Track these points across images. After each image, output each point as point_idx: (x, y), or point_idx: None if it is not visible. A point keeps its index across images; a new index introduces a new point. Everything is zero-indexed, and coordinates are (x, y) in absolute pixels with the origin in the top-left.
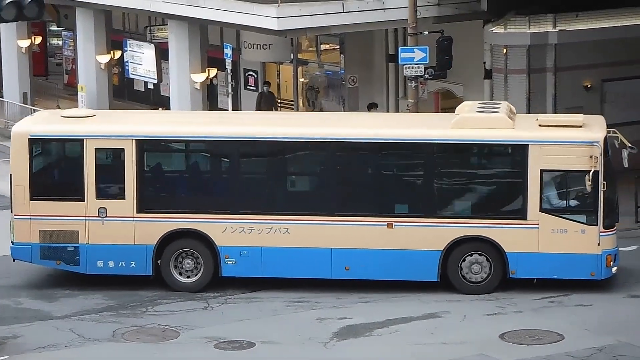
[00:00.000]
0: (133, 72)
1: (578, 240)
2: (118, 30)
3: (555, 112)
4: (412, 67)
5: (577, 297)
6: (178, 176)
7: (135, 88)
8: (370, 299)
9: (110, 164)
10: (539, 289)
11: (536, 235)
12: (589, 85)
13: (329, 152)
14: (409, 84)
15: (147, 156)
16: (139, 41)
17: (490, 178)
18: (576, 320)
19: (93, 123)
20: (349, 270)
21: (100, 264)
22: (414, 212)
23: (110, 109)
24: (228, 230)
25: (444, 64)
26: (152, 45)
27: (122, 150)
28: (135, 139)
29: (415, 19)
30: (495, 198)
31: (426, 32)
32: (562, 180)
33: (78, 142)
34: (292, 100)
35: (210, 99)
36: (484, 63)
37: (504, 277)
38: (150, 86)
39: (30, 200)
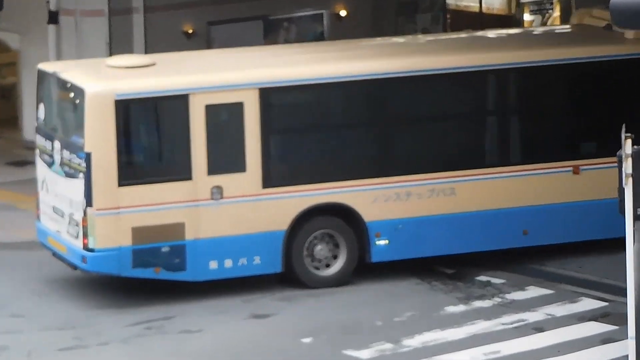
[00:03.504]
0: None
1: None
2: None
3: None
4: None
5: (182, 321)
6: (316, 135)
7: None
8: None
9: (225, 126)
10: (133, 313)
11: None
12: (190, 31)
13: (501, 82)
14: None
15: (275, 110)
16: None
17: None
18: (180, 350)
19: (195, 73)
20: (527, 234)
21: (213, 265)
22: (604, 151)
23: None
24: (380, 199)
25: None
26: None
27: (241, 105)
28: (260, 88)
29: None
30: None
31: None
32: None
33: (181, 100)
34: None
35: None
36: (48, 3)
37: None
38: None
39: (119, 186)
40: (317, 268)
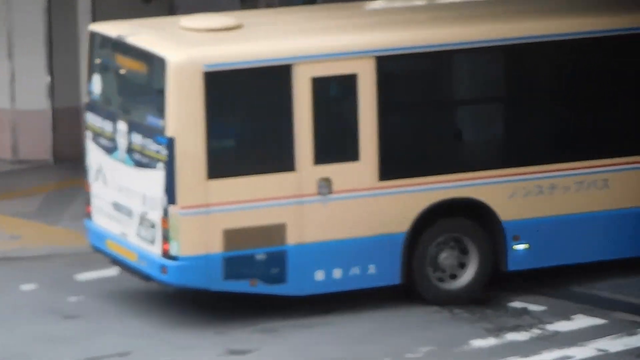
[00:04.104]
0: None
1: None
2: None
3: None
4: None
5: (140, 358)
6: (443, 115)
7: None
8: None
9: (334, 104)
10: (78, 347)
11: None
12: None
13: None
14: None
15: (396, 85)
16: None
17: None
18: None
19: (299, 37)
20: None
21: (319, 275)
22: None
23: None
24: (518, 194)
25: None
26: None
27: (354, 78)
28: (377, 57)
29: None
30: None
31: None
32: None
33: (283, 72)
34: None
35: None
36: None
37: None
38: None
39: (209, 178)
40: (441, 280)
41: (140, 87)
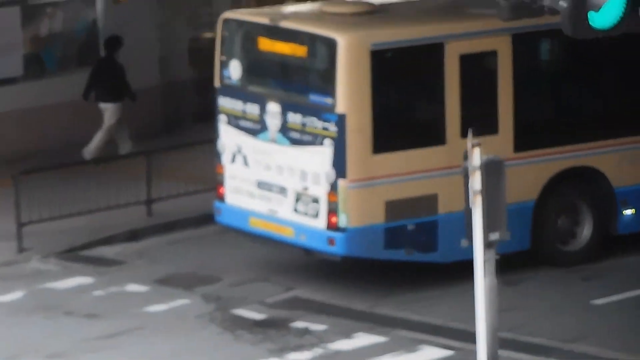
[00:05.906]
0: None
1: None
2: None
3: None
4: None
5: None
6: (570, 89)
7: None
8: None
9: (477, 80)
10: None
11: None
12: None
13: None
14: None
15: (529, 61)
16: None
17: None
18: None
19: (419, 21)
20: None
21: (464, 243)
22: None
23: None
24: (625, 161)
25: None
26: None
27: (494, 54)
28: (513, 34)
29: None
30: None
31: None
32: None
33: (437, 49)
34: None
35: None
36: None
37: None
38: None
39: (374, 153)
40: (560, 242)
41: (297, 69)
